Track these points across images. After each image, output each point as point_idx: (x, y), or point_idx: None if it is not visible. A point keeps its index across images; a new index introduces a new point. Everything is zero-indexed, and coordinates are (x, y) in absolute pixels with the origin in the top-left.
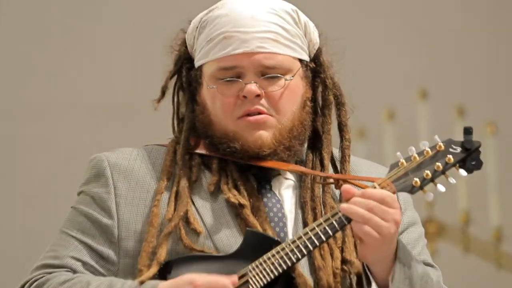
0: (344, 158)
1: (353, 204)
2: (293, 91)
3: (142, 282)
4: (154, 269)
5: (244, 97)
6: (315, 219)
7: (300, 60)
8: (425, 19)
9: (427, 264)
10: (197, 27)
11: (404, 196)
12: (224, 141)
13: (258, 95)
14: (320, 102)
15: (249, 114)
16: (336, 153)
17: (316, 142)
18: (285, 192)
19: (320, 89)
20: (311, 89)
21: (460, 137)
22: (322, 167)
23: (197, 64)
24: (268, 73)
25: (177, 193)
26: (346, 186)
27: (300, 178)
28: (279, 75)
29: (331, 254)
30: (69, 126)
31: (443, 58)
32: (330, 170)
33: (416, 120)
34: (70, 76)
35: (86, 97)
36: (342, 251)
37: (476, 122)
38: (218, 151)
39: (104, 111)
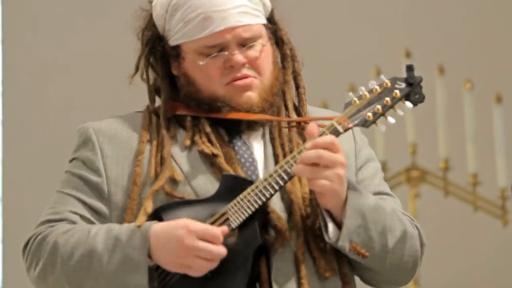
0: (301, 102)
1: (305, 157)
2: (267, 53)
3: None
4: (142, 218)
5: (231, 66)
6: (283, 153)
7: (263, 25)
8: None
9: (384, 194)
10: (166, 10)
11: (360, 136)
12: (214, 103)
13: (243, 64)
14: (279, 56)
15: (236, 79)
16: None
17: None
18: (254, 140)
19: (278, 45)
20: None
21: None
22: (287, 110)
23: (174, 43)
24: (248, 43)
25: (157, 147)
26: (309, 128)
27: (269, 125)
28: (256, 43)
29: (300, 182)
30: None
31: (424, 22)
32: (293, 114)
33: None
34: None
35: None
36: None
37: (455, 80)
38: (203, 111)
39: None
